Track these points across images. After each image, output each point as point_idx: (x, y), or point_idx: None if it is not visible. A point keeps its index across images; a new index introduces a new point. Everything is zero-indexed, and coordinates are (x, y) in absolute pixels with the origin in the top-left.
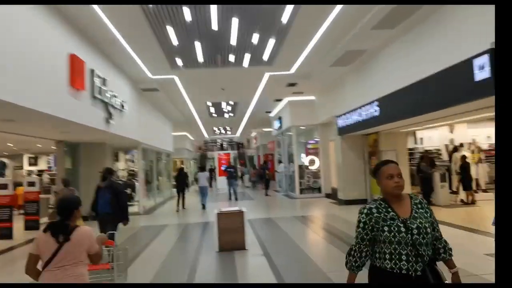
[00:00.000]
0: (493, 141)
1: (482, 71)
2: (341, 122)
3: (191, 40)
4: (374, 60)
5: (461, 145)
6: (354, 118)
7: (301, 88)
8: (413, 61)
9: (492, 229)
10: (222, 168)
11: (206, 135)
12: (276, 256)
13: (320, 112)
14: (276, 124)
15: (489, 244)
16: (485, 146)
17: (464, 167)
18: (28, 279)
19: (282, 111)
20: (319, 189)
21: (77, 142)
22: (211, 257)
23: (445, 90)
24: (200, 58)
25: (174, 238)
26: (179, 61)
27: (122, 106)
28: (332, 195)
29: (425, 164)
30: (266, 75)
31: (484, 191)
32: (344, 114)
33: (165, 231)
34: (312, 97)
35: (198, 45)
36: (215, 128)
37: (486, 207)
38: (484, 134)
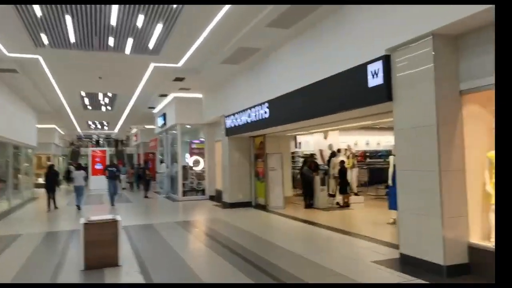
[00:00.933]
0: (360, 147)
1: (375, 77)
2: (230, 122)
3: (60, 13)
4: (268, 60)
5: (339, 150)
6: (243, 119)
7: (188, 84)
8: (307, 63)
9: (370, 233)
10: (96, 167)
11: (79, 129)
12: (155, 272)
13: (208, 111)
14: (160, 121)
15: (374, 250)
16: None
17: (343, 171)
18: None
19: (166, 108)
20: (203, 191)
21: None
22: (73, 277)
23: (338, 95)
24: (72, 37)
25: (27, 253)
26: (44, 38)
27: None
28: (216, 197)
29: (308, 168)
30: (151, 66)
31: (356, 194)
32: (233, 114)
33: (18, 243)
34: (200, 95)
35: (69, 20)
36: (90, 122)
37: (359, 210)
38: (352, 141)
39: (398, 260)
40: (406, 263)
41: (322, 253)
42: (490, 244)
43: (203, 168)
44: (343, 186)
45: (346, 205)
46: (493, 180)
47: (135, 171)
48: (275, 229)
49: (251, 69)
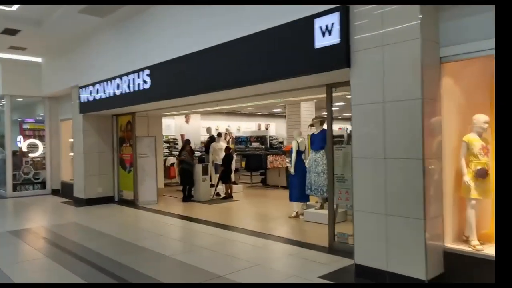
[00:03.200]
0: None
1: (328, 35)
2: (86, 95)
3: None
4: (152, 11)
5: (219, 135)
6: (108, 91)
7: (24, 41)
8: (217, 15)
9: (272, 229)
10: None
11: None
12: None
13: (51, 80)
14: None
15: (295, 254)
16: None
17: (229, 158)
18: None
19: None
20: (42, 184)
21: None
22: None
23: (269, 58)
24: None
25: None
26: None
27: None
28: (62, 191)
29: (187, 154)
30: None
31: (234, 183)
32: (92, 84)
33: None
34: (38, 59)
35: None
36: None
37: (245, 200)
38: (213, 126)
39: (351, 273)
40: (366, 277)
41: (216, 258)
42: (468, 247)
43: (42, 153)
44: (227, 174)
45: (229, 196)
46: (473, 168)
47: None
48: (146, 229)
49: (123, 24)
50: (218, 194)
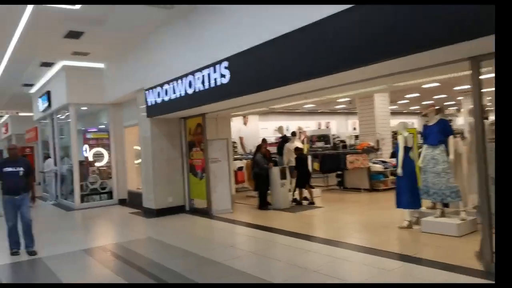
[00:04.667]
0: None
1: None
2: (153, 97)
3: None
4: None
5: (294, 134)
6: (180, 90)
7: (87, 45)
8: None
9: (386, 245)
10: None
11: None
12: None
13: (114, 86)
14: (42, 103)
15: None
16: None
17: (302, 159)
18: None
19: (52, 83)
20: (109, 194)
21: None
22: None
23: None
24: None
25: None
26: None
27: None
28: (129, 201)
29: (262, 156)
30: (29, 8)
31: (311, 187)
32: (160, 85)
33: None
34: (101, 65)
35: None
36: None
37: (332, 207)
38: (272, 127)
39: None
40: None
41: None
42: None
43: (108, 163)
44: (304, 178)
45: (310, 202)
46: None
47: None
48: (232, 245)
49: (195, 14)
50: (295, 200)
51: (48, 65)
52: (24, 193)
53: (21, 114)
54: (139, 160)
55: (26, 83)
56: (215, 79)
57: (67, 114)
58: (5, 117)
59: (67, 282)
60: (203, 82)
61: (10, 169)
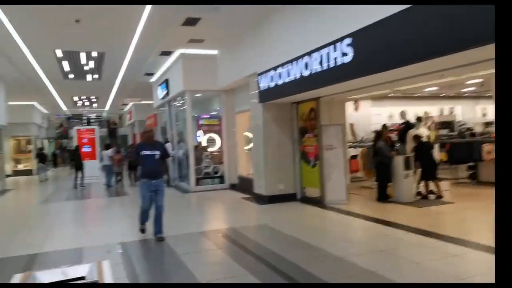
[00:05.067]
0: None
1: None
2: (266, 82)
3: None
4: None
5: (419, 119)
6: (295, 72)
7: (203, 32)
8: None
9: None
10: (84, 149)
11: (64, 107)
12: None
13: (227, 72)
14: (161, 91)
15: None
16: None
17: (426, 147)
18: None
19: (170, 72)
20: (221, 179)
21: None
22: None
23: None
24: None
25: None
26: None
27: None
28: (240, 186)
29: (384, 143)
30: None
31: (438, 179)
32: (274, 68)
33: None
34: (214, 51)
35: None
36: (75, 98)
37: (461, 202)
38: (385, 113)
39: None
40: None
41: None
42: None
43: (220, 148)
44: (429, 169)
45: (437, 196)
46: None
47: (124, 156)
48: (351, 240)
49: None
50: (419, 193)
51: (167, 53)
52: (160, 178)
53: (143, 102)
54: (250, 146)
55: (148, 73)
56: (335, 59)
57: (182, 101)
58: (130, 105)
59: (187, 262)
60: (320, 63)
61: (147, 152)
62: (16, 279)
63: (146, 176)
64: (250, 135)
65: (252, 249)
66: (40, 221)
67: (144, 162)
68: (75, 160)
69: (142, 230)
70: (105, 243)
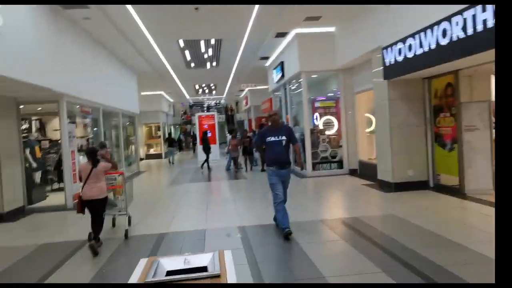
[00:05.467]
0: None
1: None
2: (392, 56)
3: None
4: None
5: None
6: (429, 42)
7: (319, 8)
8: None
9: None
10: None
11: (187, 95)
12: None
13: (346, 49)
14: (276, 74)
15: None
16: None
17: None
18: None
19: (285, 54)
20: (339, 163)
21: None
22: None
23: None
24: None
25: None
26: None
27: None
28: (361, 172)
29: None
30: None
31: None
32: (403, 40)
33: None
34: (331, 28)
35: None
36: (197, 86)
37: None
38: None
39: None
40: None
41: None
42: None
43: (337, 131)
44: None
45: None
46: None
47: (239, 142)
48: None
49: None
50: None
51: (282, 35)
52: (289, 167)
53: (257, 87)
54: (371, 128)
55: (263, 56)
56: (483, 21)
57: (296, 85)
58: (245, 90)
59: (309, 253)
60: (463, 28)
61: (272, 138)
62: (142, 263)
63: (273, 165)
64: (371, 116)
65: (381, 242)
66: (167, 202)
67: (271, 149)
68: (204, 144)
69: (288, 233)
70: (225, 226)
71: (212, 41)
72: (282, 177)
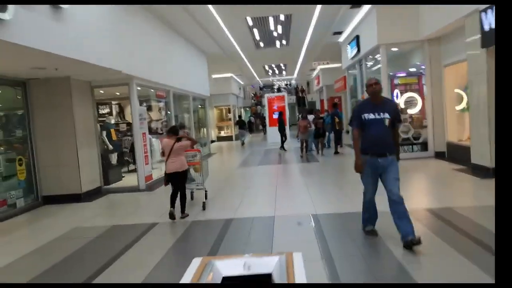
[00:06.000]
0: None
1: None
2: (493, 18)
3: None
4: None
5: None
6: None
7: None
8: None
9: None
10: (274, 116)
11: (257, 76)
12: None
13: (432, 15)
14: (350, 50)
15: None
16: None
17: None
18: None
19: (361, 26)
20: (423, 145)
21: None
22: None
23: None
24: None
25: None
26: None
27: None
28: (449, 155)
29: None
30: None
31: None
32: None
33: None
34: None
35: None
36: (266, 67)
37: None
38: None
39: None
40: None
41: None
42: None
43: (420, 110)
44: None
45: None
46: None
47: (307, 122)
48: None
49: None
50: None
51: (358, 5)
52: (392, 154)
53: (330, 66)
54: (461, 106)
55: (336, 31)
56: None
57: (373, 61)
58: (317, 70)
59: (393, 249)
60: None
61: (371, 116)
62: (196, 263)
63: (369, 152)
64: (462, 92)
65: (485, 240)
66: (236, 185)
67: (368, 130)
68: (280, 125)
69: (369, 232)
70: (296, 213)
71: (282, 17)
72: (378, 168)
